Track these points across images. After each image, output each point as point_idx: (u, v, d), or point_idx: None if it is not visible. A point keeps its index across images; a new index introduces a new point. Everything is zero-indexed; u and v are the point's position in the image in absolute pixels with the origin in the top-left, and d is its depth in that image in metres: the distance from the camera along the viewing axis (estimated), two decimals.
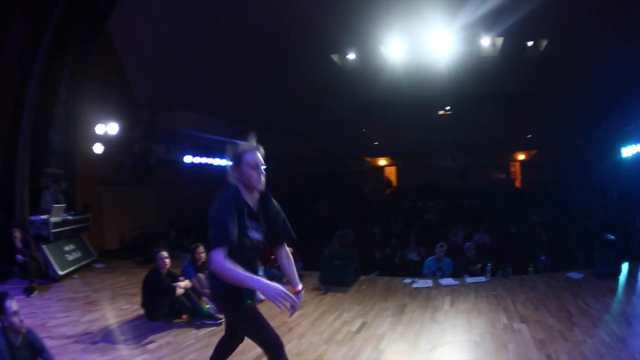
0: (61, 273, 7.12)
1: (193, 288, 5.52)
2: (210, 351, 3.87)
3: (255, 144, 2.79)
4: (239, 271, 2.38)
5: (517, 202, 17.54)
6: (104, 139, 9.54)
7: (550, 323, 4.92)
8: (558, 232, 11.28)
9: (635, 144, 12.63)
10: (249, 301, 2.64)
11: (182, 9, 9.35)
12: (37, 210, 7.92)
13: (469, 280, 7.29)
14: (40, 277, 6.75)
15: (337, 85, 15.52)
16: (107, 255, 9.72)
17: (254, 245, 2.73)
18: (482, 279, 7.25)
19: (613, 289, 6.20)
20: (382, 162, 25.90)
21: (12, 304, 3.18)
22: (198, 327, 4.95)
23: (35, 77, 7.97)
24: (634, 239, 8.51)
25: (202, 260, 5.89)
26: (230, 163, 2.77)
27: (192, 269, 5.81)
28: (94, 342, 4.33)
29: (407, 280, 7.45)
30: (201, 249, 5.94)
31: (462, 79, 13.10)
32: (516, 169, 24.36)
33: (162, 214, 13.01)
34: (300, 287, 2.89)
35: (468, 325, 5.05)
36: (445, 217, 15.12)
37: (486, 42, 10.75)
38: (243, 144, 2.79)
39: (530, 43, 11.35)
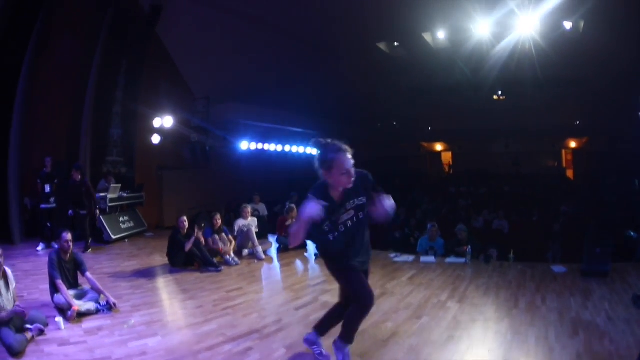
0: (114, 237, 9.22)
1: (207, 244, 7.39)
2: (203, 286, 5.87)
3: (344, 145, 3.04)
4: (295, 227, 2.98)
5: (559, 191, 17.31)
6: (161, 131, 11.16)
7: (485, 309, 4.99)
8: (581, 223, 10.65)
9: None
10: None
11: (227, 11, 10.38)
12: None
13: (449, 260, 7.69)
14: (96, 241, 8.86)
15: (387, 73, 15.85)
16: (164, 229, 11.63)
17: (349, 227, 3.16)
18: (462, 260, 7.59)
19: (587, 290, 5.73)
20: (438, 147, 26.11)
21: (67, 236, 4.73)
22: (202, 272, 6.81)
23: (91, 83, 9.71)
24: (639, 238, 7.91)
25: (218, 225, 7.86)
26: (320, 165, 3.05)
27: (210, 231, 7.74)
28: (124, 277, 6.33)
29: (392, 255, 8.26)
30: (218, 216, 7.97)
31: (507, 64, 12.94)
32: (570, 157, 23.53)
33: (217, 195, 14.55)
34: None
35: (406, 296, 5.53)
36: (481, 203, 15.19)
37: (526, 24, 10.44)
38: (332, 146, 3.04)
39: (568, 25, 10.91)
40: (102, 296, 4.79)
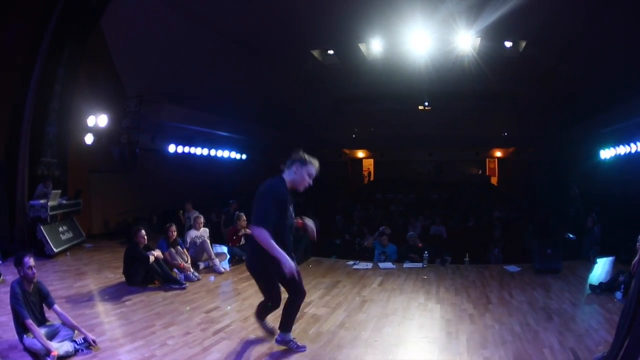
0: (56, 251, 8.14)
1: (164, 259, 6.67)
2: (176, 308, 5.29)
3: (317, 163, 3.65)
4: (274, 244, 3.32)
5: (488, 198, 18.19)
6: (94, 130, 10.24)
7: (465, 307, 5.38)
8: (516, 227, 11.91)
9: (614, 147, 12.77)
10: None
11: (169, 7, 9.92)
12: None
13: (407, 265, 7.92)
14: (38, 255, 7.73)
15: (318, 80, 16.11)
16: (94, 237, 10.69)
17: (292, 225, 3.73)
18: (419, 265, 7.89)
19: (546, 284, 6.39)
20: (360, 154, 26.57)
21: (30, 260, 3.96)
22: (166, 290, 6.14)
23: (36, 75, 8.62)
24: (584, 239, 8.89)
25: (174, 237, 7.16)
26: (297, 161, 3.58)
27: (165, 244, 7.06)
28: (83, 301, 5.51)
29: (350, 262, 8.25)
30: (173, 228, 7.24)
31: (440, 76, 13.54)
32: (494, 165, 25.08)
33: (146, 200, 13.65)
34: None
35: (386, 301, 5.71)
36: (412, 209, 15.57)
37: (464, 41, 10.88)
38: (310, 157, 3.64)
39: (508, 44, 11.53)
40: (76, 332, 4.06)
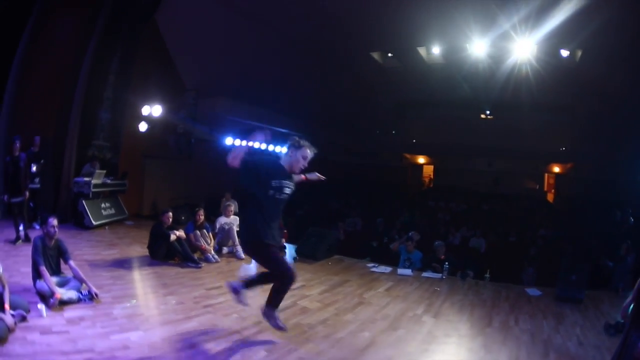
0: (95, 223, 9.04)
1: (189, 240, 7.34)
2: (183, 282, 5.89)
3: (311, 145, 4.03)
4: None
5: (539, 214, 17.59)
6: (148, 119, 10.94)
7: (460, 326, 5.12)
8: (558, 248, 11.19)
9: None
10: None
11: (227, 6, 10.35)
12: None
13: (425, 274, 7.79)
14: (76, 226, 8.77)
15: (378, 82, 16.13)
16: (142, 218, 11.51)
17: (282, 198, 3.91)
18: (438, 275, 7.69)
19: (560, 315, 5.89)
20: (421, 159, 26.31)
21: (53, 221, 4.71)
22: (183, 267, 6.79)
23: (86, 63, 9.43)
24: (617, 267, 8.10)
25: (201, 221, 7.78)
26: (292, 145, 3.97)
27: (192, 226, 7.69)
28: (104, 266, 6.25)
29: (370, 265, 8.33)
30: (201, 212, 7.87)
31: (499, 84, 13.19)
32: (553, 181, 23.89)
33: (197, 187, 14.41)
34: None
35: (383, 307, 5.62)
36: (459, 219, 15.41)
37: (522, 48, 10.68)
38: (305, 142, 3.99)
39: (565, 53, 11.23)
40: (84, 285, 4.72)
